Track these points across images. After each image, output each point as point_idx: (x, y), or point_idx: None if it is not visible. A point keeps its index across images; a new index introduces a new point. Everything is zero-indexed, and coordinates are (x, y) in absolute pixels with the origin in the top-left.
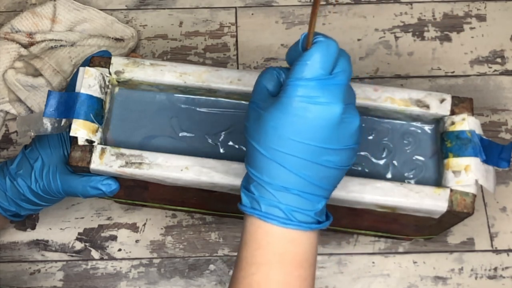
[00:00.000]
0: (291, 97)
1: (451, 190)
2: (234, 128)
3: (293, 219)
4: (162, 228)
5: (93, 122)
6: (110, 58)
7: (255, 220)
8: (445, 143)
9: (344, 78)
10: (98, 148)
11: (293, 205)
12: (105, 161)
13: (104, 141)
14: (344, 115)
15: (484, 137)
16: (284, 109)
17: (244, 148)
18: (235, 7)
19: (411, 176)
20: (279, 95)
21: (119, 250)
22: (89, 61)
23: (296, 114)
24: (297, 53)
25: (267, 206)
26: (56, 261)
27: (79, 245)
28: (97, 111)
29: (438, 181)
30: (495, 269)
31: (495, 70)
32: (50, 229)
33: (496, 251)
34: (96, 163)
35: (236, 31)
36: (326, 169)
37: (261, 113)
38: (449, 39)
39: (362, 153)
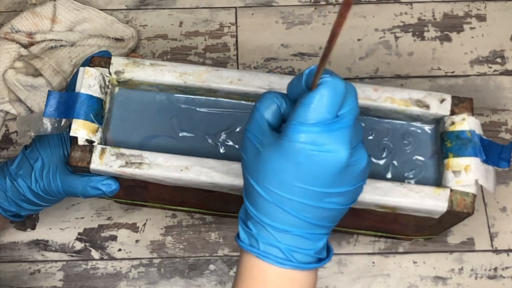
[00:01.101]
0: (293, 142)
1: (451, 190)
2: (234, 128)
3: (292, 259)
4: (162, 228)
5: (93, 122)
6: (110, 58)
7: (252, 257)
8: (445, 143)
9: (351, 119)
10: (98, 148)
11: (293, 245)
12: (105, 161)
13: (104, 141)
14: (351, 159)
15: (484, 137)
16: (286, 154)
17: None
18: (235, 7)
19: (411, 176)
20: (280, 135)
21: (119, 250)
22: (89, 61)
23: (299, 161)
24: (300, 89)
25: (265, 245)
26: (56, 261)
27: (79, 245)
28: (97, 111)
29: (438, 181)
30: (495, 269)
31: (495, 70)
32: (50, 229)
33: (496, 251)
34: (96, 163)
35: (236, 31)
36: (330, 210)
37: (260, 151)
38: (449, 39)
39: None
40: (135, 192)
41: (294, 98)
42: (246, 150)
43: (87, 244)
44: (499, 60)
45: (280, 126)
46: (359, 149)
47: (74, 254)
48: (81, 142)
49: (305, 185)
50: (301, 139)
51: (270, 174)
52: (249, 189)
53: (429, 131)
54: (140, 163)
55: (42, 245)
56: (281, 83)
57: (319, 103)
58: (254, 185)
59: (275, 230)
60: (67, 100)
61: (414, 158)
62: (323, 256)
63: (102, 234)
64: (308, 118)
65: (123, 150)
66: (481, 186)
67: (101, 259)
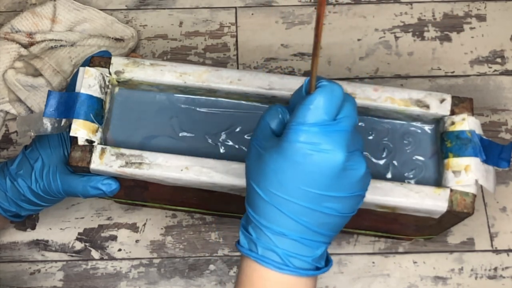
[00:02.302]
0: (292, 142)
1: (451, 190)
2: (234, 128)
3: (289, 264)
4: (162, 228)
5: (93, 122)
6: (110, 58)
7: (251, 262)
8: (445, 143)
9: (349, 124)
10: (98, 148)
11: (290, 251)
12: (105, 161)
13: (104, 141)
14: (347, 163)
15: (484, 137)
16: (285, 154)
17: (244, 148)
18: (235, 7)
19: (411, 176)
20: (280, 138)
21: (119, 250)
22: (89, 61)
23: (297, 160)
24: (300, 97)
25: (263, 249)
26: (56, 261)
27: (79, 245)
28: (97, 111)
29: (438, 181)
30: (495, 269)
31: (495, 70)
32: (50, 229)
33: (496, 251)
34: (96, 163)
35: (236, 31)
36: (327, 216)
37: (262, 154)
38: (449, 39)
39: None
40: (135, 192)
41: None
42: (250, 155)
43: (87, 244)
44: (499, 60)
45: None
46: (357, 156)
47: (74, 254)
48: (81, 142)
49: (303, 186)
50: (299, 138)
51: (270, 175)
52: (250, 193)
53: (429, 131)
54: (140, 163)
55: (42, 245)
56: (281, 83)
57: (317, 105)
58: (255, 187)
59: (273, 233)
60: (67, 100)
61: (414, 158)
62: (321, 266)
63: (102, 234)
64: (306, 119)
65: (123, 150)
66: (481, 186)
67: (101, 259)
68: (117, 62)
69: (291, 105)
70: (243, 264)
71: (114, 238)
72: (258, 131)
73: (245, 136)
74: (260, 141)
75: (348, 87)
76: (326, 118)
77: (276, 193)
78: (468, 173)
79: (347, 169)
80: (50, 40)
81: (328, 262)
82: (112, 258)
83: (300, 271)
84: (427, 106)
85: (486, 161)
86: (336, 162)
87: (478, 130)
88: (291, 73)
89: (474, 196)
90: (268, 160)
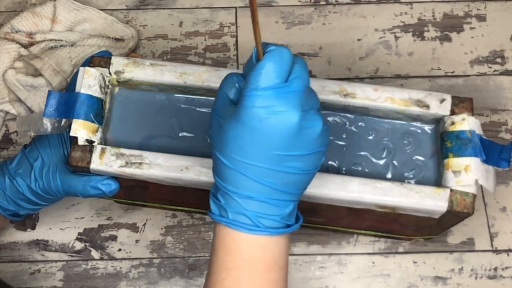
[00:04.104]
0: (248, 108)
1: (451, 190)
2: None
3: (260, 225)
4: (162, 228)
5: (93, 122)
6: (110, 58)
7: (223, 228)
8: (445, 143)
9: (300, 84)
10: (98, 148)
11: (259, 212)
12: (105, 161)
13: (104, 141)
14: (303, 121)
15: (484, 137)
16: (242, 120)
17: None
18: (235, 7)
19: (411, 176)
20: (237, 106)
21: (119, 250)
22: (89, 61)
23: (254, 125)
24: (251, 65)
25: (233, 213)
26: (56, 261)
27: (79, 245)
28: (97, 111)
29: (438, 181)
30: (495, 269)
31: (495, 70)
32: (50, 229)
33: (496, 251)
34: (96, 163)
35: (236, 31)
36: (291, 175)
37: (222, 123)
38: (449, 39)
39: (362, 153)
40: (135, 192)
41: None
42: (212, 126)
43: (87, 244)
44: (499, 60)
45: None
46: (312, 114)
47: (74, 254)
48: (81, 142)
49: (263, 149)
50: (254, 104)
51: (231, 142)
52: (215, 162)
53: (429, 131)
54: (140, 163)
55: (42, 245)
56: None
57: (267, 69)
58: (219, 156)
59: (241, 197)
60: (67, 100)
61: (414, 158)
62: (292, 223)
63: (102, 234)
64: (258, 84)
65: (123, 150)
66: (481, 186)
67: (101, 259)
68: (117, 62)
69: (244, 74)
70: (216, 230)
71: (114, 238)
72: (217, 102)
73: None
74: (220, 111)
75: (348, 87)
76: (277, 81)
77: (238, 158)
78: (468, 173)
79: (304, 128)
80: (50, 40)
81: (298, 219)
82: (112, 258)
83: (271, 230)
84: (427, 106)
85: (486, 161)
86: (291, 122)
87: (478, 130)
88: None
89: (474, 196)
90: (227, 128)
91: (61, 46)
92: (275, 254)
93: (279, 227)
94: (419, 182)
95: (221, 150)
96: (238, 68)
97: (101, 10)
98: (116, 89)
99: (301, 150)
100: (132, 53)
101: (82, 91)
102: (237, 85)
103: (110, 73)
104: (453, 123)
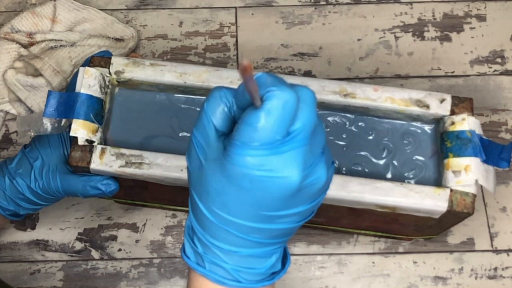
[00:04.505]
0: (236, 165)
1: (451, 190)
2: None
3: (241, 280)
4: (162, 228)
5: (93, 122)
6: (110, 58)
7: (199, 277)
8: (445, 143)
9: (305, 136)
10: (98, 148)
11: (241, 266)
12: (105, 161)
13: (104, 141)
14: (305, 181)
15: (484, 137)
16: (228, 177)
17: None
18: (235, 7)
19: (411, 176)
20: (224, 153)
21: (119, 250)
22: (89, 61)
23: (243, 186)
24: (246, 99)
25: (211, 264)
26: (56, 261)
27: (79, 245)
28: (97, 111)
29: (438, 181)
30: (495, 269)
31: (495, 70)
32: (50, 229)
33: (496, 251)
34: (96, 163)
35: (236, 31)
36: (282, 229)
37: (203, 165)
38: (449, 39)
39: (362, 153)
40: (135, 192)
41: (242, 106)
42: (190, 159)
43: (87, 244)
44: (499, 60)
45: (231, 130)
46: (316, 167)
47: (74, 254)
48: (81, 142)
49: (251, 209)
50: (245, 163)
51: (212, 194)
52: (193, 203)
53: (429, 131)
54: (140, 163)
55: (42, 245)
56: None
57: (266, 123)
58: (197, 201)
59: (221, 251)
60: (67, 100)
61: (414, 158)
62: (278, 269)
63: (102, 234)
64: (253, 139)
65: (123, 150)
66: (481, 186)
67: (101, 259)
68: (117, 62)
69: (237, 103)
70: (191, 275)
71: (114, 238)
72: (199, 126)
73: None
74: (201, 143)
75: (348, 87)
76: (278, 137)
77: (220, 213)
78: (468, 173)
79: (305, 186)
80: (50, 40)
81: (285, 260)
82: (112, 258)
83: (254, 284)
84: (427, 106)
85: (486, 161)
86: (290, 186)
87: (478, 130)
88: (291, 73)
89: (474, 196)
90: (209, 176)
91: (61, 46)
92: None
93: (262, 279)
94: (419, 182)
95: (201, 196)
96: (237, 68)
97: (101, 10)
98: (116, 89)
99: (299, 207)
100: (132, 53)
101: (82, 91)
102: (225, 106)
103: (110, 73)
104: (453, 123)
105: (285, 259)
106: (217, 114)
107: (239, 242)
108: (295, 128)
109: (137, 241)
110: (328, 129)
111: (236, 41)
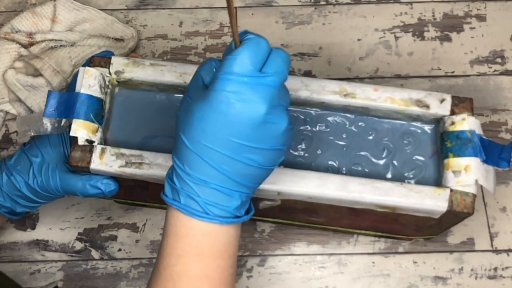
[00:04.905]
0: (218, 91)
1: (451, 190)
2: None
3: (209, 213)
4: (162, 228)
5: (93, 122)
6: (110, 58)
7: (175, 212)
8: (445, 143)
9: (276, 80)
10: (98, 148)
11: (210, 200)
12: (105, 161)
13: (104, 141)
14: (269, 116)
15: (484, 137)
16: (210, 103)
17: None
18: (235, 7)
19: (411, 176)
20: (208, 88)
21: (119, 250)
22: (90, 61)
23: (220, 109)
24: (229, 52)
25: (186, 198)
26: (56, 261)
27: (79, 245)
28: (97, 111)
29: (438, 181)
30: (495, 269)
31: (495, 70)
32: (50, 229)
33: (496, 251)
34: (96, 163)
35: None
36: (248, 166)
37: (190, 104)
38: (449, 39)
39: (362, 153)
40: (135, 192)
41: None
42: (181, 107)
43: (87, 244)
44: (499, 60)
45: None
46: (280, 111)
47: (74, 254)
48: (81, 142)
49: (225, 134)
50: (225, 87)
51: (194, 123)
52: (177, 143)
53: (429, 131)
54: (140, 163)
55: (42, 245)
56: None
57: (243, 55)
58: (181, 136)
59: (195, 182)
60: (67, 100)
61: (414, 158)
62: (241, 214)
63: (102, 234)
64: (232, 68)
65: (123, 150)
66: (481, 186)
67: (101, 259)
68: (117, 62)
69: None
70: (168, 213)
71: (114, 238)
72: (191, 83)
73: None
74: (191, 92)
75: (348, 87)
76: (251, 68)
77: (199, 140)
78: (468, 173)
79: (268, 122)
80: (50, 40)
81: (249, 211)
82: (112, 258)
83: (220, 219)
84: (427, 106)
85: (486, 161)
86: (257, 113)
87: (478, 130)
88: (291, 73)
89: (474, 196)
90: (194, 108)
91: (61, 46)
92: (225, 242)
93: (228, 216)
94: (419, 182)
95: (184, 130)
96: None
97: (101, 10)
98: (116, 89)
99: (262, 144)
100: (132, 53)
101: (82, 91)
102: (214, 70)
103: (110, 73)
104: (453, 123)
105: (249, 210)
106: (206, 71)
107: (211, 173)
108: (270, 70)
109: (137, 241)
110: (328, 129)
111: None
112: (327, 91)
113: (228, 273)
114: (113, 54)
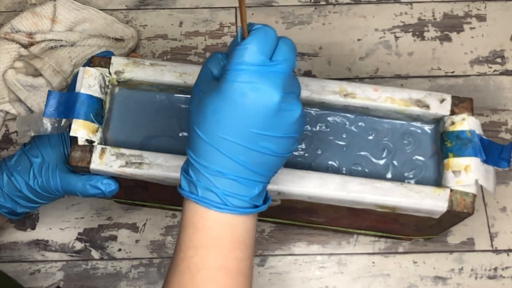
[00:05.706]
0: (230, 82)
1: (451, 190)
2: None
3: (228, 203)
4: (162, 228)
5: (93, 122)
6: (110, 58)
7: (193, 204)
8: (445, 143)
9: (286, 66)
10: (98, 148)
11: (228, 190)
12: (105, 161)
13: (104, 141)
14: (283, 103)
15: (484, 137)
16: (223, 94)
17: None
18: (235, 7)
19: (411, 176)
20: (220, 80)
21: (119, 250)
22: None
23: (234, 100)
24: (236, 44)
25: (203, 190)
26: (56, 261)
27: (79, 245)
28: (97, 111)
29: (438, 181)
30: (495, 269)
31: (495, 70)
32: (50, 229)
33: (496, 251)
34: (96, 163)
35: (236, 31)
36: (263, 155)
37: (202, 97)
38: (449, 39)
39: (362, 153)
40: (135, 192)
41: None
42: (192, 101)
43: (87, 244)
44: (499, 60)
45: None
46: (292, 98)
47: (74, 254)
48: (81, 142)
49: (240, 125)
50: (237, 78)
51: (209, 115)
52: (191, 137)
53: (429, 131)
54: (140, 163)
55: (42, 245)
56: None
57: (252, 45)
58: (195, 129)
59: (212, 173)
60: (67, 100)
61: (414, 158)
62: (259, 204)
63: (102, 234)
64: (243, 59)
65: (123, 150)
66: (481, 186)
67: (101, 259)
68: (117, 62)
69: (229, 53)
70: (185, 206)
71: (114, 238)
72: (200, 77)
73: None
74: (201, 86)
75: (348, 87)
76: (262, 57)
77: (214, 132)
78: (468, 173)
79: (283, 110)
80: (50, 40)
81: (266, 200)
82: (112, 258)
83: (239, 209)
84: (427, 106)
85: (486, 161)
86: (271, 101)
87: (478, 130)
88: None
89: (474, 196)
90: (207, 102)
91: (61, 46)
92: (242, 233)
93: (247, 207)
94: (419, 182)
95: (198, 123)
96: None
97: (101, 10)
98: (116, 89)
99: (277, 132)
100: (132, 53)
101: (82, 91)
102: (222, 62)
103: (110, 73)
104: (453, 123)
105: (266, 200)
106: (214, 65)
107: (227, 164)
108: (278, 58)
109: (137, 241)
110: (328, 129)
111: None
112: (327, 91)
113: (245, 264)
114: (113, 54)
